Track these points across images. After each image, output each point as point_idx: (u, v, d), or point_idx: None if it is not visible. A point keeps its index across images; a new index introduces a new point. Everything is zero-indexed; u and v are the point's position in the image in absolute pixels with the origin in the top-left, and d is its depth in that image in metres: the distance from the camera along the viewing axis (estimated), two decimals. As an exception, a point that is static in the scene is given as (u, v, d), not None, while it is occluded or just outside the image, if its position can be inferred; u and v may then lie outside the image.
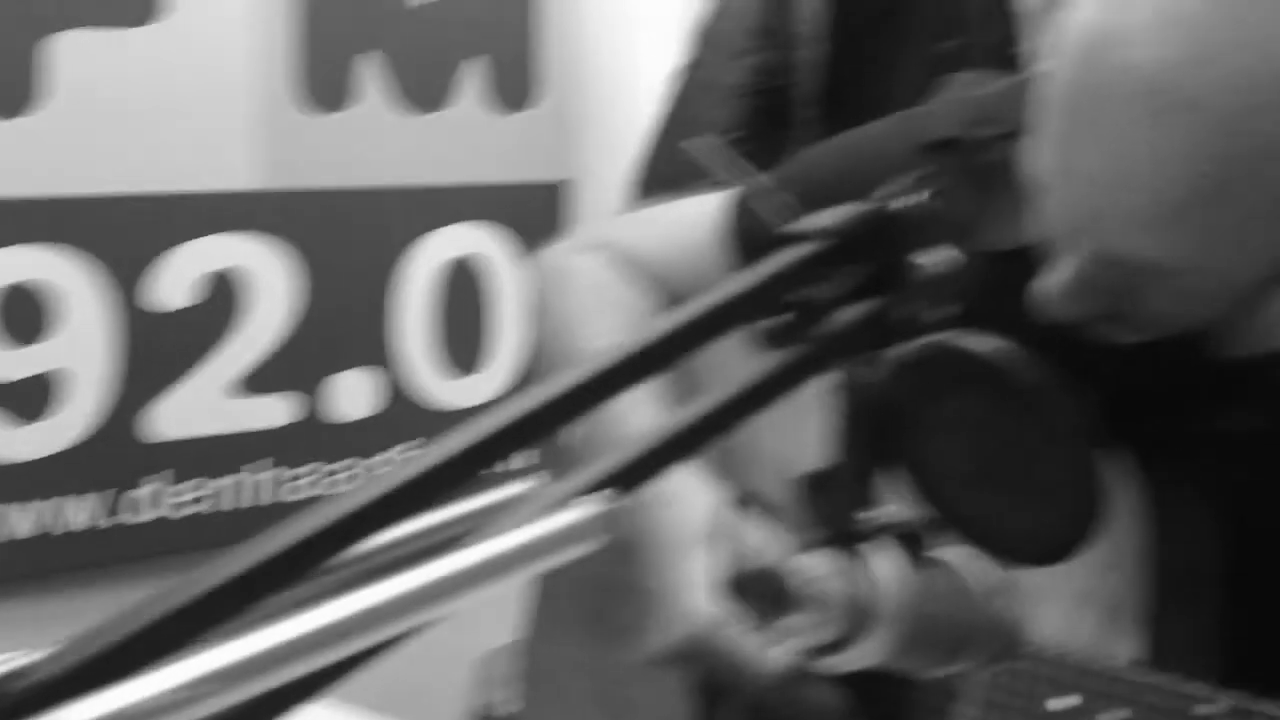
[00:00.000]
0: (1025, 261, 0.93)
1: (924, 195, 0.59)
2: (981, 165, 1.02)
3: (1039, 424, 0.69)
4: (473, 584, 0.49)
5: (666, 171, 2.11)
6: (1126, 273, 0.84)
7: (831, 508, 0.64)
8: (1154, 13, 0.76)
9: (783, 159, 2.03)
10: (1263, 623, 0.96)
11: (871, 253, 0.58)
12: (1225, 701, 0.88)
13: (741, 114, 2.08)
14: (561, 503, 0.50)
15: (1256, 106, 0.75)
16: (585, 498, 0.50)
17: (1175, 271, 0.83)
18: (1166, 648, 0.94)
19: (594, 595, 1.22)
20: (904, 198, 0.59)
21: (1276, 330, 0.93)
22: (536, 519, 0.49)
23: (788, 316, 0.58)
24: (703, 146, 0.62)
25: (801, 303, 0.58)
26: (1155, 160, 0.78)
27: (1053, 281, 0.86)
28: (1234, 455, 0.96)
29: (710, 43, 2.09)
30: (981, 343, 0.70)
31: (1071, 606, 0.96)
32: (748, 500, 0.72)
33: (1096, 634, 0.94)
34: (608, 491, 0.49)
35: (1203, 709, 0.89)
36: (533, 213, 2.22)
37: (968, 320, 0.99)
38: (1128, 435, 0.97)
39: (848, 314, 0.60)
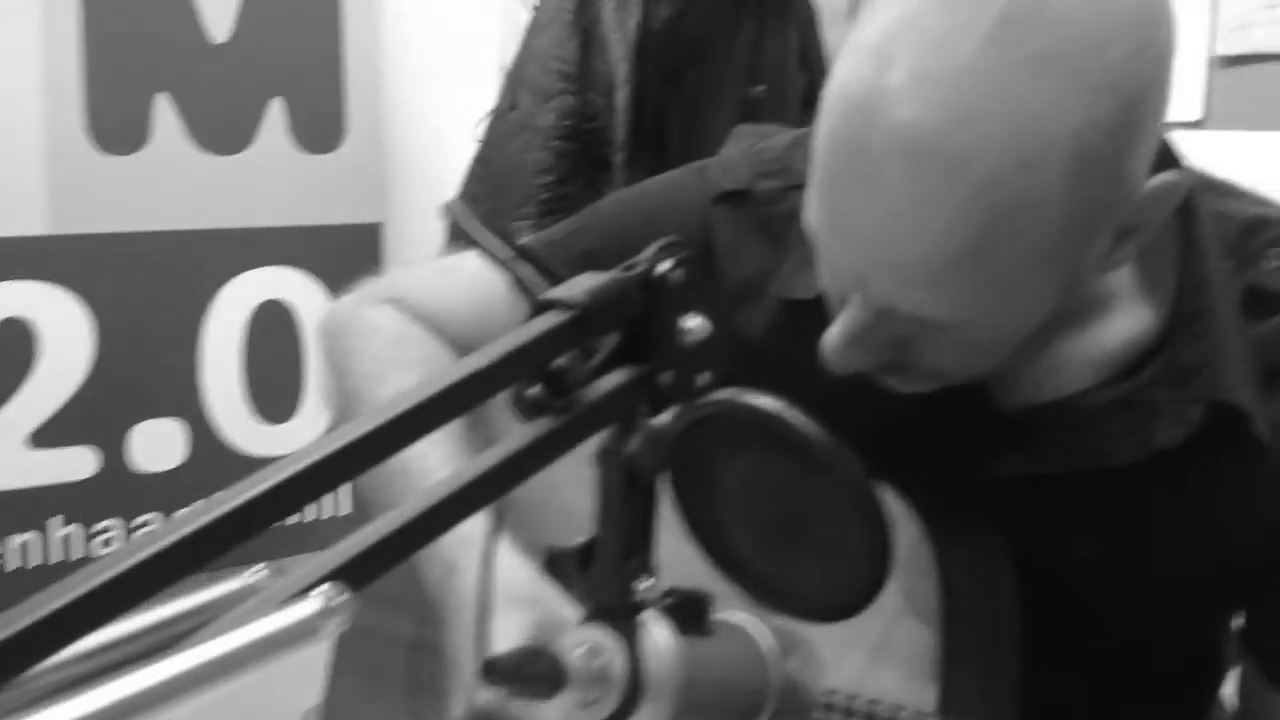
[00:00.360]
0: (822, 310, 0.94)
1: (675, 263, 0.57)
2: (771, 216, 1.02)
3: (823, 481, 0.68)
4: (197, 684, 0.46)
5: (478, 213, 2.09)
6: (902, 325, 0.85)
7: (601, 580, 0.62)
8: (912, 72, 0.76)
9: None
10: (1051, 668, 0.97)
11: (627, 320, 0.56)
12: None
13: (557, 156, 2.07)
14: (290, 597, 0.47)
15: (1017, 164, 0.76)
16: (314, 592, 0.47)
17: (948, 325, 0.83)
18: (961, 696, 0.94)
19: (402, 656, 1.19)
20: (656, 265, 0.57)
21: (1047, 383, 0.95)
22: (264, 614, 0.46)
23: (538, 387, 0.55)
24: (455, 210, 0.59)
25: (555, 372, 0.56)
26: (920, 218, 0.78)
27: (834, 334, 0.86)
28: (1015, 502, 0.97)
29: (522, 85, 2.07)
30: (762, 401, 0.69)
31: (869, 658, 0.96)
32: (547, 563, 0.70)
33: (896, 685, 0.94)
34: (335, 585, 0.46)
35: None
36: (343, 255, 2.17)
37: (766, 372, 1.00)
38: (914, 484, 0.97)
39: (606, 382, 0.58)
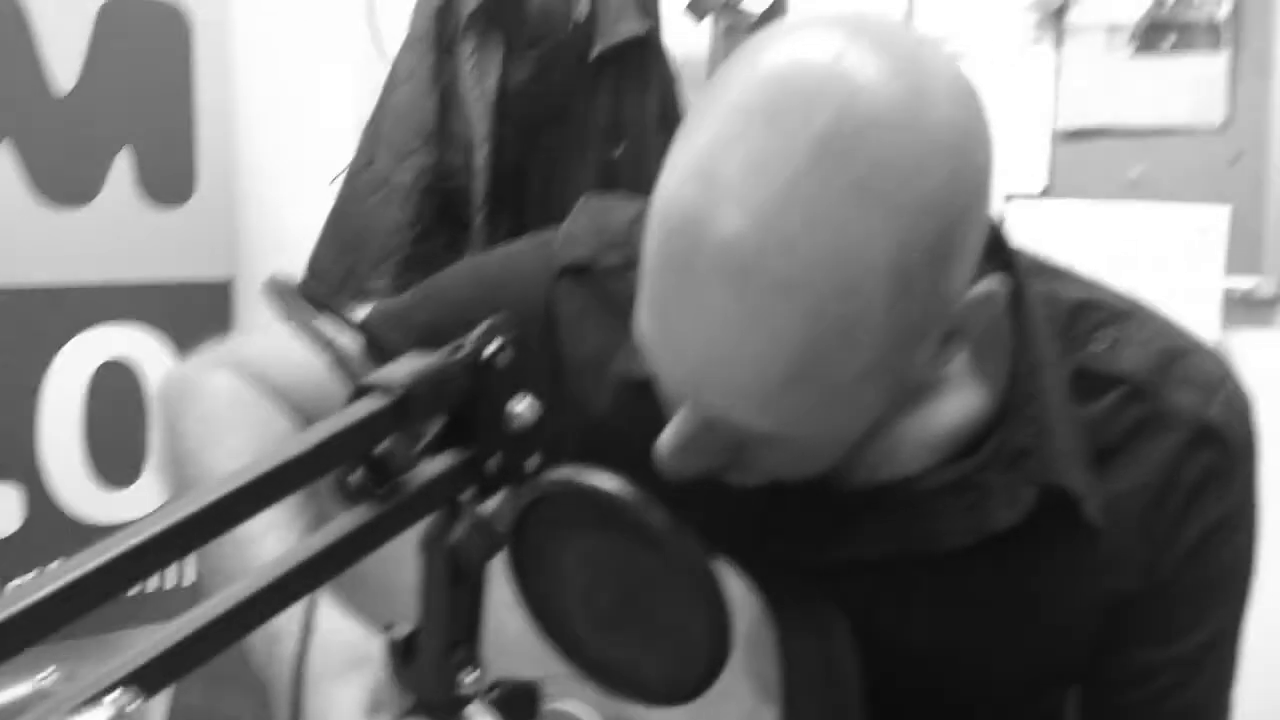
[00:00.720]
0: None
1: (502, 344, 0.56)
2: (614, 293, 1.01)
3: (662, 561, 0.67)
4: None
5: (333, 272, 2.05)
6: (733, 433, 0.84)
7: (425, 673, 0.59)
8: (735, 195, 0.76)
9: (460, 257, 2.00)
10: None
11: (451, 403, 0.54)
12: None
13: (415, 214, 2.05)
14: (80, 704, 0.44)
15: (838, 291, 0.76)
16: (106, 699, 0.44)
17: (779, 437, 0.83)
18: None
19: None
20: (482, 347, 0.56)
21: (884, 464, 0.96)
22: (51, 721, 0.43)
23: (361, 472, 0.53)
24: (274, 287, 0.57)
25: (379, 456, 0.54)
26: (745, 340, 0.77)
27: (666, 440, 0.85)
28: (855, 583, 0.98)
29: (379, 142, 2.05)
30: (600, 479, 0.68)
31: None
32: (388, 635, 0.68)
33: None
34: (128, 691, 0.43)
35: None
36: (192, 313, 2.12)
37: (610, 450, 0.99)
38: (756, 563, 0.97)
39: (431, 466, 0.56)
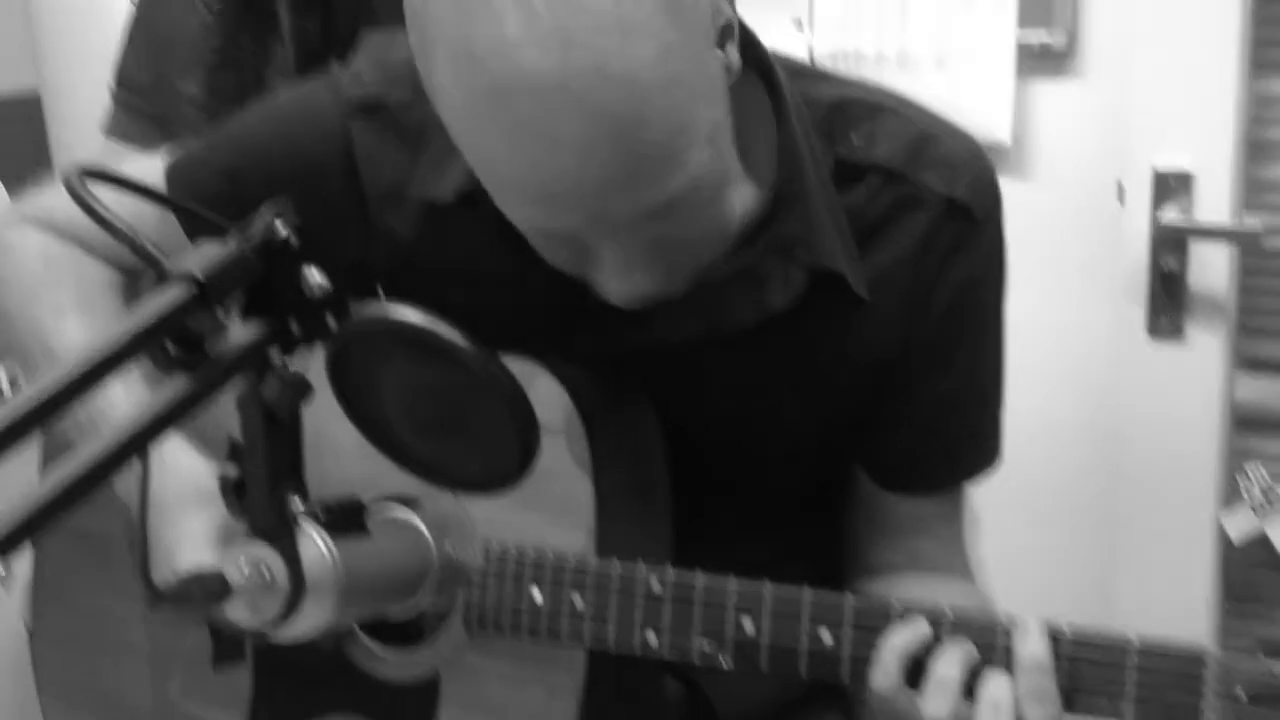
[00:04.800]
0: (473, 210, 1.00)
1: (288, 225, 0.63)
2: (406, 124, 1.07)
3: (469, 380, 0.77)
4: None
5: (141, 79, 2.03)
6: (566, 240, 0.93)
7: (256, 506, 0.69)
8: (525, 21, 0.82)
9: (270, 58, 2.00)
10: (703, 505, 1.09)
11: (249, 281, 0.62)
12: (670, 577, 1.01)
13: (219, 16, 2.01)
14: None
15: (642, 117, 0.84)
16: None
17: (605, 244, 0.92)
18: (616, 540, 1.05)
19: (98, 549, 1.23)
20: (271, 230, 0.63)
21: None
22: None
23: (173, 348, 0.61)
24: (66, 180, 0.63)
25: (188, 331, 0.61)
26: (557, 155, 0.84)
27: (609, 286, 0.95)
28: (654, 367, 1.08)
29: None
30: (406, 314, 0.76)
31: (533, 516, 1.06)
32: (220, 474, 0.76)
33: (556, 537, 1.05)
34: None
35: (654, 585, 1.02)
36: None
37: (417, 273, 1.06)
38: (561, 357, 1.07)
39: (238, 336, 0.64)
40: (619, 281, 0.95)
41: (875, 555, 1.19)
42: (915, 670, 0.94)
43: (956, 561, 1.19)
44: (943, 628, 0.95)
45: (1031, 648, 0.92)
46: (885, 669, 0.94)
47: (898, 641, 0.95)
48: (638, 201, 0.89)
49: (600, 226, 0.91)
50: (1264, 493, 1.84)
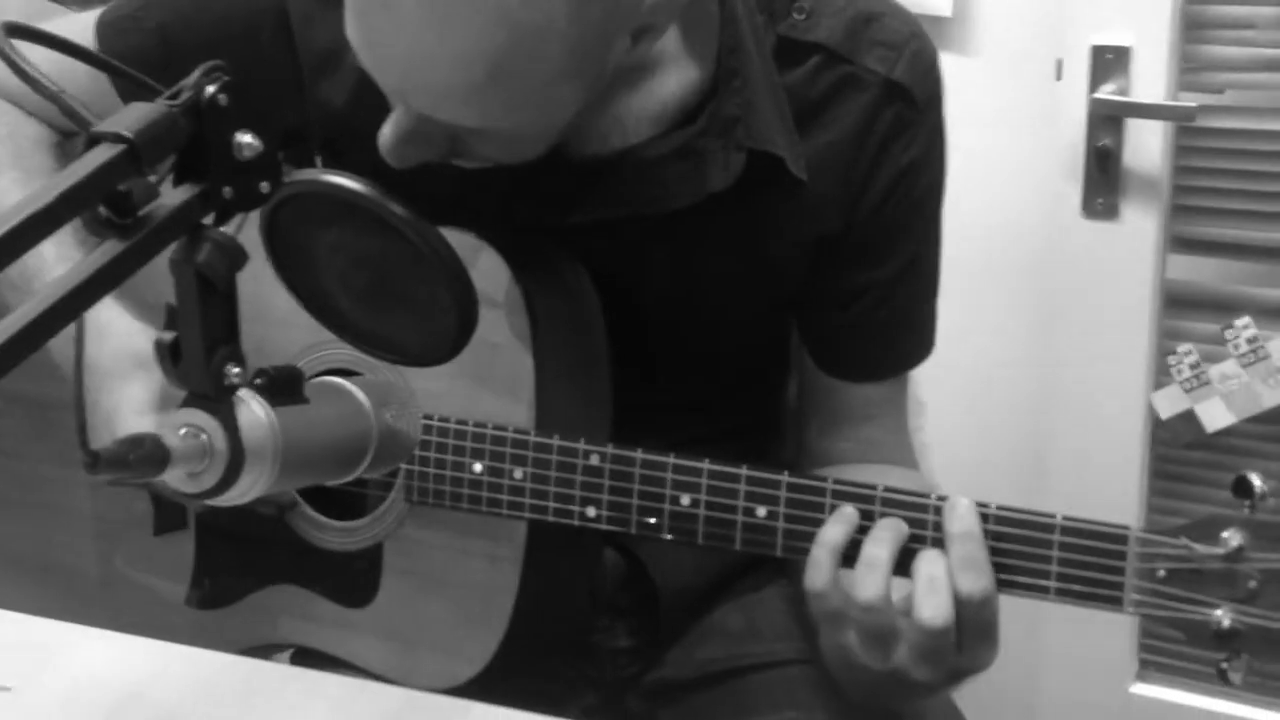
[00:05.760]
0: None
1: (220, 86, 0.62)
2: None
3: (406, 248, 0.76)
4: None
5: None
6: (446, 127, 0.92)
7: (192, 373, 0.68)
8: None
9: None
10: (642, 379, 1.10)
11: (180, 144, 0.61)
12: (609, 451, 1.02)
13: None
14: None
15: (505, 52, 0.84)
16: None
17: (488, 130, 0.92)
18: (555, 413, 1.06)
19: (36, 415, 1.23)
20: (202, 91, 0.62)
21: (612, 135, 1.05)
22: None
23: (105, 210, 0.60)
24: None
25: (119, 193, 0.61)
26: (442, 47, 0.85)
27: (386, 134, 0.93)
28: (594, 244, 1.08)
29: None
30: (340, 179, 0.75)
31: (473, 388, 1.07)
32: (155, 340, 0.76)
33: (498, 409, 1.06)
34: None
35: (594, 459, 1.03)
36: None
37: (353, 139, 1.05)
38: (501, 232, 1.07)
39: (170, 198, 0.63)
40: (388, 138, 0.94)
41: (826, 444, 1.21)
42: (853, 552, 0.96)
43: (903, 449, 1.22)
44: (874, 505, 0.97)
45: (961, 518, 0.94)
46: (818, 565, 0.96)
47: (828, 536, 0.96)
48: (449, 111, 0.90)
49: (405, 100, 0.92)
50: (1193, 370, 1.88)
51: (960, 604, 0.92)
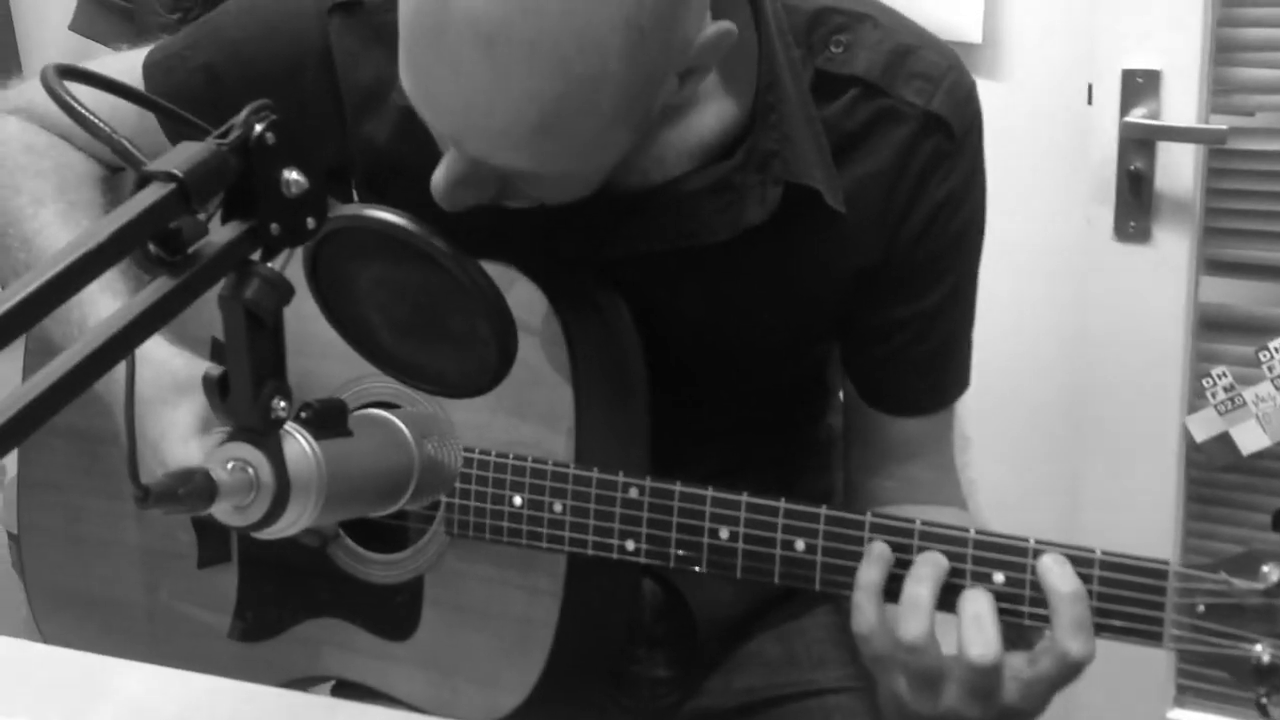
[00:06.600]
0: None
1: (267, 125, 0.63)
2: (385, 25, 1.06)
3: (447, 281, 0.77)
4: None
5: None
6: (497, 172, 0.93)
7: (239, 407, 0.69)
8: None
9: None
10: (681, 409, 1.10)
11: (228, 182, 0.62)
12: (648, 484, 1.02)
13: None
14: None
15: (578, 49, 0.84)
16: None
17: (540, 174, 0.93)
18: (595, 444, 1.07)
19: (84, 448, 1.24)
20: (250, 130, 0.63)
21: (652, 170, 1.06)
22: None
23: (155, 248, 0.61)
24: (46, 73, 0.63)
25: (169, 231, 0.62)
26: (497, 98, 0.86)
27: (439, 178, 0.94)
28: (632, 276, 1.09)
29: None
30: (384, 214, 0.77)
31: (514, 420, 1.07)
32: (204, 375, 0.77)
33: (537, 440, 1.06)
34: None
35: (632, 492, 1.03)
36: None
37: (396, 176, 1.06)
38: (540, 264, 1.08)
39: (219, 236, 0.64)
40: (441, 181, 0.95)
41: (870, 482, 1.21)
42: (894, 586, 0.95)
43: (949, 486, 1.21)
44: (913, 539, 0.96)
45: (1069, 578, 0.93)
46: (860, 609, 0.95)
47: (865, 579, 0.96)
48: (503, 157, 0.91)
49: (460, 145, 0.92)
50: (1228, 394, 1.87)
51: (1064, 664, 0.92)
